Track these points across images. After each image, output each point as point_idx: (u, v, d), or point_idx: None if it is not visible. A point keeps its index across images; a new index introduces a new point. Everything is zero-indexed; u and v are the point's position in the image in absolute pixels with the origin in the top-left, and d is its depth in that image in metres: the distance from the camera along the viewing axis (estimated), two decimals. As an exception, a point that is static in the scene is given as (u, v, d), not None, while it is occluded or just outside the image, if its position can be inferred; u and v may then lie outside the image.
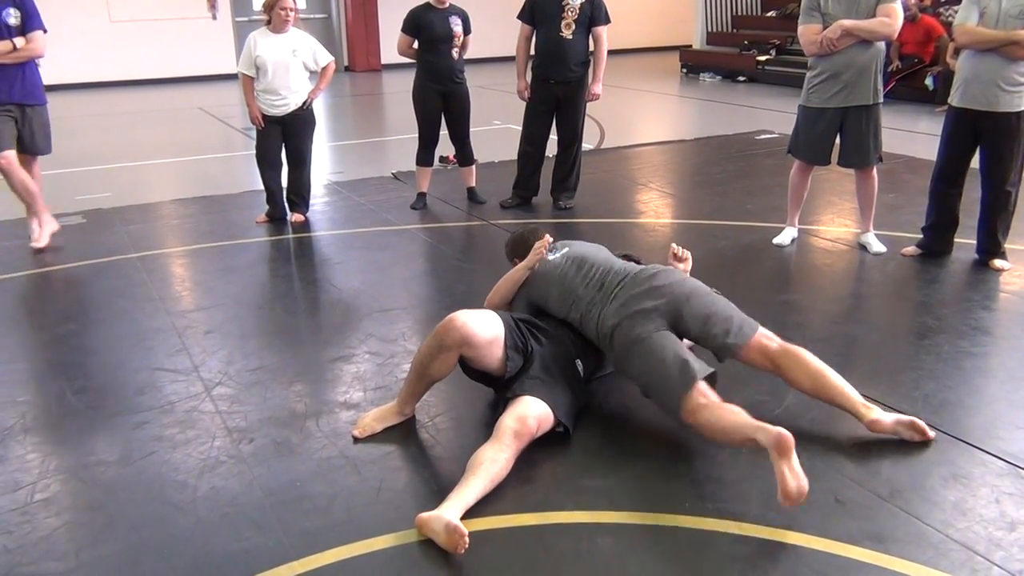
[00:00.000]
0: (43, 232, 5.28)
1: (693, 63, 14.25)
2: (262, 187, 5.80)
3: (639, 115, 10.89)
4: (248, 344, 3.80)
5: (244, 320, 4.10)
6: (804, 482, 2.41)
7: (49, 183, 6.05)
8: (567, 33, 5.58)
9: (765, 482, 2.63)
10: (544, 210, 6.00)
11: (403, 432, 3.00)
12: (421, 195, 6.13)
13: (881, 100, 4.62)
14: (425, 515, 2.41)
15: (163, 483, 2.72)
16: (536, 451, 2.77)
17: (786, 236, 5.03)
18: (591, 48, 5.75)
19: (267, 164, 5.66)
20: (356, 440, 2.95)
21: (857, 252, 4.87)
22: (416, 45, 5.79)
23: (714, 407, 2.70)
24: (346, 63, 15.53)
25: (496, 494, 2.57)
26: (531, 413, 2.77)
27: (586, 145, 8.30)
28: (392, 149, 8.57)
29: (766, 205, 5.81)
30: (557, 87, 5.72)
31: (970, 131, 4.40)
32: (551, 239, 3.39)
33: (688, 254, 3.57)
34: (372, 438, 2.96)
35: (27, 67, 5.08)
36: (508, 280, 3.36)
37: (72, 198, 6.54)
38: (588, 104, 5.91)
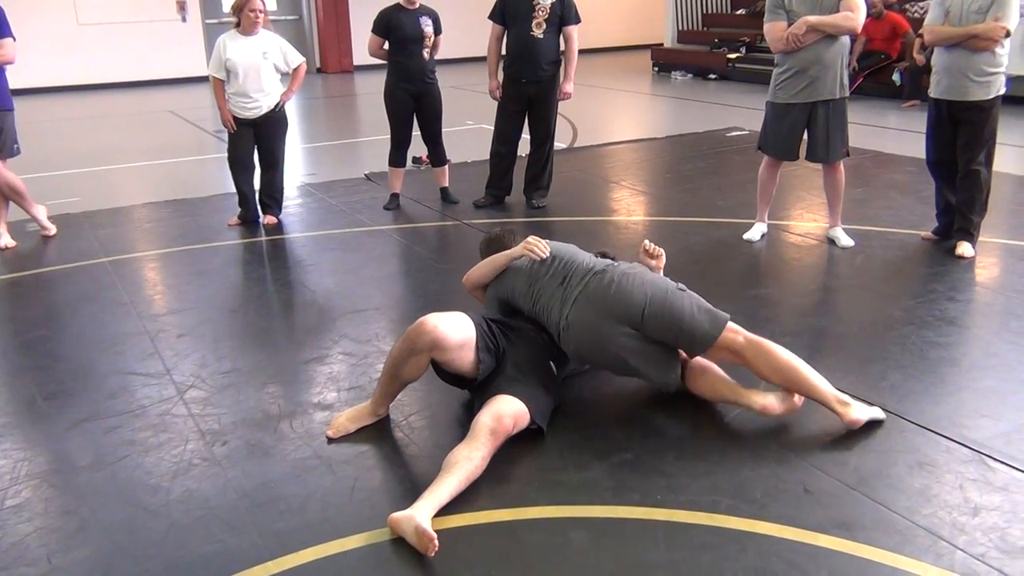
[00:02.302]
0: (43, 220, 5.60)
1: (664, 61, 14.34)
2: (234, 190, 5.77)
3: (611, 114, 10.95)
4: (221, 347, 3.79)
5: (217, 323, 4.08)
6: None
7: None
8: (538, 32, 5.61)
9: (735, 474, 2.68)
10: (517, 209, 6.03)
11: (377, 432, 3.01)
12: (394, 196, 6.13)
13: (847, 95, 4.70)
14: (397, 515, 2.42)
15: (136, 487, 2.71)
16: (511, 448, 2.79)
17: (756, 232, 5.09)
18: (562, 47, 5.78)
19: (239, 167, 5.64)
20: (330, 440, 2.95)
21: (826, 246, 4.94)
22: (387, 46, 5.79)
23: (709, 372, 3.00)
24: (318, 65, 15.47)
25: (470, 491, 2.58)
26: (507, 411, 2.78)
27: (558, 144, 8.35)
28: (365, 150, 8.56)
29: (737, 201, 5.87)
30: (529, 86, 5.75)
31: (948, 119, 4.62)
32: (546, 249, 3.22)
33: (661, 251, 3.60)
34: (346, 438, 2.96)
35: None
36: (490, 263, 3.33)
37: (40, 203, 6.46)
38: (560, 103, 5.94)
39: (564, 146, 8.36)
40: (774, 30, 4.62)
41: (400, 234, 5.53)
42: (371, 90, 12.66)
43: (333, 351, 3.71)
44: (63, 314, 4.28)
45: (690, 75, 13.62)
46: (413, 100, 5.86)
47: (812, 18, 4.47)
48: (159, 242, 5.46)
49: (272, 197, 5.78)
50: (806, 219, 5.52)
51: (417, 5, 5.73)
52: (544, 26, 5.60)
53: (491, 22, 5.83)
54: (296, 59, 5.60)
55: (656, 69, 14.42)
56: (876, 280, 4.42)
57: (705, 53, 13.78)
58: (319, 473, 2.76)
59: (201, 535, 2.45)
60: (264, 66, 5.44)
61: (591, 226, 5.61)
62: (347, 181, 6.99)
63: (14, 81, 5.40)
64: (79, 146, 9.08)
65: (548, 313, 3.09)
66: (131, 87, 13.77)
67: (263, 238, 5.52)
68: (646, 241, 3.62)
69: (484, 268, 3.34)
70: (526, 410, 2.85)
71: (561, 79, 5.79)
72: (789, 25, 4.54)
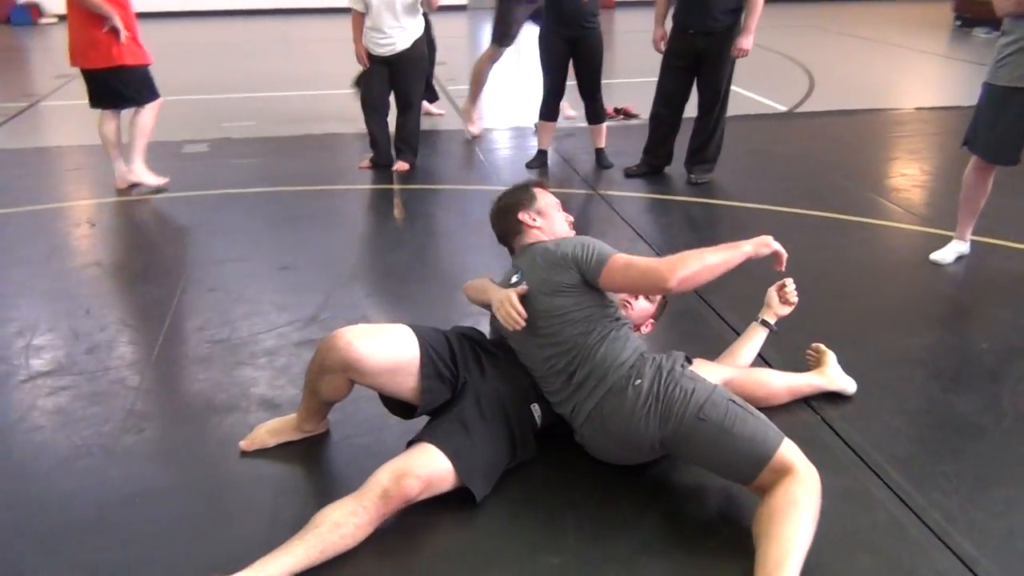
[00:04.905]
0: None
1: (969, 15, 11.99)
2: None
3: (872, 75, 9.18)
4: (236, 309, 3.45)
5: (256, 280, 3.76)
6: None
7: (196, 107, 6.20)
8: (714, -27, 4.61)
9: None
10: (675, 184, 5.13)
11: (299, 453, 2.50)
12: (541, 153, 5.48)
13: (1104, 81, 3.30)
14: (215, 580, 1.91)
15: (16, 469, 2.43)
16: (422, 513, 2.16)
17: (949, 252, 3.84)
18: (746, -6, 4.73)
19: (370, 107, 5.29)
20: (243, 453, 2.49)
21: (1048, 285, 3.61)
22: (543, -18, 5.10)
23: None
24: None
25: (326, 568, 2.00)
26: (416, 470, 2.13)
27: (779, 106, 7.20)
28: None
29: (947, 207, 4.50)
30: (698, 38, 4.77)
31: None
32: (520, 322, 2.30)
33: (796, 301, 2.82)
34: (261, 455, 2.48)
35: None
36: (477, 291, 2.59)
37: (218, 125, 6.62)
38: (738, 60, 4.89)
39: (785, 109, 7.16)
40: (1004, -18, 3.33)
41: (520, 199, 4.89)
42: (633, 28, 11.91)
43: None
44: (118, 248, 4.18)
45: (996, 32, 11.25)
46: (568, 46, 5.13)
47: (1061, -34, 3.14)
48: (280, 178, 5.23)
49: (405, 142, 5.38)
50: (1034, 242, 4.11)
51: (576, -65, 4.94)
52: (722, -35, 4.58)
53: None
54: (435, -8, 5.09)
55: (958, 23, 12.14)
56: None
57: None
58: (194, 495, 2.31)
59: (4, 548, 2.10)
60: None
61: (745, 215, 4.61)
62: (522, 130, 6.44)
63: (215, 2, 5.38)
64: (263, 70, 9.32)
65: (556, 403, 2.38)
66: (324, 13, 13.70)
67: (385, 185, 5.16)
68: (789, 282, 2.80)
69: (471, 291, 2.63)
70: (450, 469, 2.19)
71: (736, 32, 4.74)
72: (1027, -25, 3.24)
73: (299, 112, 7.21)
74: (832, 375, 2.74)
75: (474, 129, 6.29)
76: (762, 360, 2.91)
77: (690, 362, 2.37)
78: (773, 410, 2.61)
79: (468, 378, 2.39)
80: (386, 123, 5.36)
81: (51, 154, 5.85)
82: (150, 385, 2.87)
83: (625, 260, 2.26)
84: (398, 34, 5.04)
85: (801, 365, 2.82)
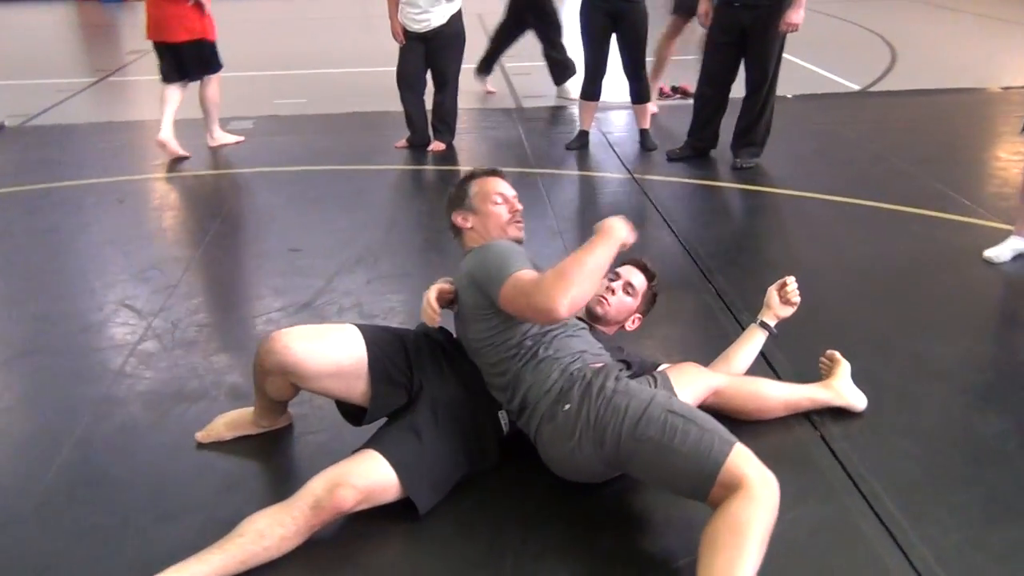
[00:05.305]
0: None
1: (1085, -14, 11.06)
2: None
3: (967, 51, 8.54)
4: (237, 291, 3.42)
5: (267, 261, 3.70)
6: None
7: (253, 84, 6.22)
8: (762, -59, 4.28)
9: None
10: (720, 168, 4.84)
11: (254, 447, 2.41)
12: (582, 133, 5.27)
13: None
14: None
15: (-17, 448, 2.44)
16: (362, 522, 2.04)
17: (1006, 249, 3.48)
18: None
19: (405, 85, 5.16)
20: (198, 446, 2.42)
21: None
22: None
23: None
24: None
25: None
26: (352, 481, 1.99)
27: (851, 84, 6.77)
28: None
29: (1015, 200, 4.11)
30: (743, 12, 4.46)
31: None
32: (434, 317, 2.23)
33: (798, 301, 2.59)
34: (215, 448, 2.40)
35: None
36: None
37: (270, 102, 6.62)
38: (787, 35, 4.55)
39: (858, 87, 6.71)
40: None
41: (551, 182, 4.69)
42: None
43: (335, 321, 3.14)
44: (135, 226, 4.18)
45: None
46: (610, 21, 4.88)
47: None
48: (316, 157, 5.17)
49: (442, 121, 5.25)
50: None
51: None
52: (770, -67, 4.25)
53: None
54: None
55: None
56: None
57: None
58: (140, 487, 2.24)
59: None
60: (435, -28, 4.83)
61: (786, 203, 4.29)
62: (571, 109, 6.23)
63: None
64: (336, 45, 9.25)
65: (513, 420, 2.23)
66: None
67: (418, 166, 5.05)
68: (790, 280, 2.59)
69: None
70: (395, 481, 2.05)
71: (786, 5, 4.40)
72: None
73: (354, 88, 7.14)
74: (840, 389, 2.48)
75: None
76: (767, 365, 2.68)
77: (630, 367, 2.17)
78: (769, 425, 2.41)
79: (425, 382, 2.25)
80: (422, 102, 5.23)
81: (102, 129, 5.94)
82: (130, 369, 2.83)
83: (513, 285, 2.02)
84: (434, 9, 4.89)
85: (814, 373, 2.58)
